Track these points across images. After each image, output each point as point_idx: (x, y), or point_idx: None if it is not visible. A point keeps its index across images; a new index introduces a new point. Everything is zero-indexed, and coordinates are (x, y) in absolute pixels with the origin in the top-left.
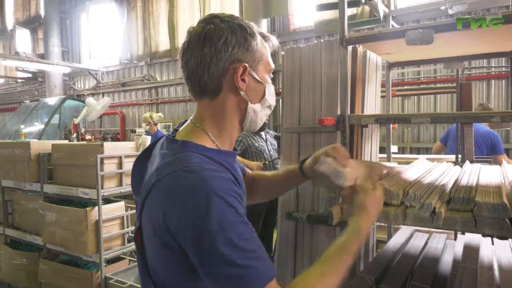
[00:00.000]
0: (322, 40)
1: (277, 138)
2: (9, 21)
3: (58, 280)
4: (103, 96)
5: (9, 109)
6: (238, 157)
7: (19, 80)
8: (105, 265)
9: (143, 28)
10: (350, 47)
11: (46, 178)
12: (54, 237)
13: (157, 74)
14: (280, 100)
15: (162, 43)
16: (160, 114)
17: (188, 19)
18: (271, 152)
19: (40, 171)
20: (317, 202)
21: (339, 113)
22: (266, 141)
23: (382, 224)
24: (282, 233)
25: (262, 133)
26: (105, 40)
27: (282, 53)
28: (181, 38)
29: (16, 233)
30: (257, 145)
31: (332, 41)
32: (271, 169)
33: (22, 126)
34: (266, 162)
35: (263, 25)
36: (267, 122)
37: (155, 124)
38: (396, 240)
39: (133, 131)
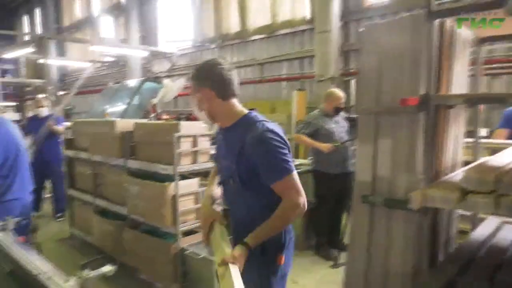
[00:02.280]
0: (405, 15)
1: (350, 120)
2: (95, 10)
3: (140, 248)
4: (177, 78)
5: (95, 91)
6: (307, 139)
7: (103, 64)
8: (181, 237)
9: (214, 10)
10: (436, 21)
11: (129, 154)
12: (137, 208)
13: (228, 56)
14: (353, 80)
15: (233, 25)
16: None
17: (259, 0)
18: (342, 134)
19: (123, 147)
20: (395, 184)
21: (423, 92)
22: (337, 123)
23: (465, 213)
24: (356, 218)
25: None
26: (179, 24)
27: (360, 29)
28: (252, 20)
29: (104, 203)
30: (327, 127)
31: (417, 15)
32: (342, 151)
33: (107, 106)
34: (337, 144)
35: (335, 2)
36: (342, 106)
37: None
38: (481, 231)
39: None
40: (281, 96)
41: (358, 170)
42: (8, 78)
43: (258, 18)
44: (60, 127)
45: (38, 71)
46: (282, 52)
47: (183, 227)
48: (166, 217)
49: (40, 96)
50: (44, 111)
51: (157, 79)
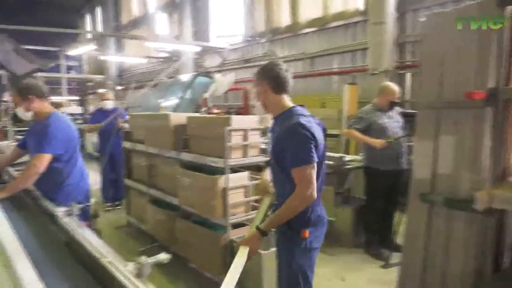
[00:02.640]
0: (471, 2)
1: (405, 115)
2: (151, 7)
3: (191, 238)
4: (228, 73)
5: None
6: (359, 135)
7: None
8: (231, 229)
9: (265, 4)
10: (509, 8)
11: (182, 147)
12: (188, 199)
13: (278, 50)
14: (409, 74)
15: (284, 19)
16: None
17: None
18: (396, 130)
19: (177, 140)
20: (457, 183)
21: (491, 85)
22: (391, 118)
23: None
24: (412, 217)
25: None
26: (230, 19)
27: (422, 19)
28: (303, 13)
29: (158, 193)
30: (380, 122)
31: (485, 2)
32: (396, 148)
33: (161, 101)
34: (391, 140)
35: None
36: (397, 100)
37: None
38: None
39: (255, 106)
40: (331, 90)
41: (416, 167)
42: (73, 74)
43: (309, 11)
44: (125, 124)
45: (99, 67)
46: (334, 45)
47: (232, 220)
48: (217, 209)
49: (104, 90)
50: (109, 104)
51: (208, 73)
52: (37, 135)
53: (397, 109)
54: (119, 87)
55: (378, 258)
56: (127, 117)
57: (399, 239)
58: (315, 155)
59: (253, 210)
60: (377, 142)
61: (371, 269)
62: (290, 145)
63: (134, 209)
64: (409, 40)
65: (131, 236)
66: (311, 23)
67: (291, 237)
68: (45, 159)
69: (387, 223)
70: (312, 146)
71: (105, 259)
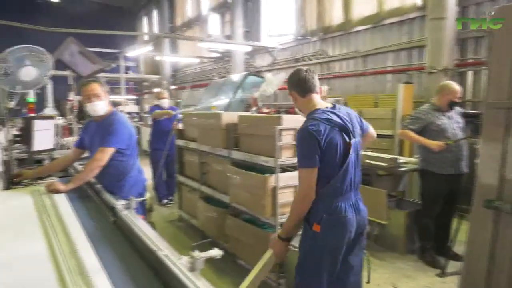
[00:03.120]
0: None
1: (466, 115)
2: (204, 9)
3: (240, 235)
4: (278, 73)
5: (202, 85)
6: (414, 136)
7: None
8: (279, 228)
9: (317, 2)
10: None
11: (233, 145)
12: (238, 197)
13: (330, 49)
14: (471, 72)
15: (336, 16)
16: (325, 87)
17: None
18: (455, 131)
19: (228, 139)
20: None
21: None
22: (450, 118)
23: None
24: (475, 224)
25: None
26: (281, 19)
27: (491, 13)
28: (356, 10)
29: (209, 190)
30: (439, 122)
31: None
32: (455, 150)
33: (212, 100)
34: (450, 142)
35: None
36: (458, 100)
37: (325, 98)
38: None
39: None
40: (385, 90)
41: (481, 171)
42: (130, 74)
43: (363, 8)
44: (179, 124)
45: (154, 67)
46: (388, 43)
47: (282, 219)
48: (266, 208)
49: (159, 89)
50: (166, 102)
51: (259, 73)
52: (101, 131)
53: (457, 109)
54: (172, 87)
55: (433, 266)
56: (180, 115)
57: (457, 247)
58: (314, 160)
59: None
60: (435, 144)
61: (425, 278)
62: (296, 148)
63: (186, 205)
64: (471, 36)
65: (182, 231)
66: (364, 20)
67: (305, 229)
68: (108, 153)
69: (444, 230)
70: (312, 152)
71: (161, 252)
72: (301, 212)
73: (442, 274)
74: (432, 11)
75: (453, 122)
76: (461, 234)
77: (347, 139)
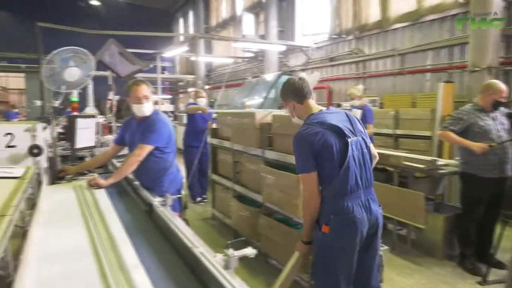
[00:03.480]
0: None
1: (510, 116)
2: (239, 9)
3: (273, 235)
4: (312, 72)
5: (236, 85)
6: (455, 137)
7: (241, 60)
8: None
9: (353, 1)
10: None
11: (267, 145)
12: (271, 197)
13: (365, 47)
14: None
15: (372, 14)
16: (360, 87)
17: None
18: (500, 133)
19: (262, 138)
20: None
21: None
22: (494, 119)
23: None
24: None
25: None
26: (316, 18)
27: None
28: (394, 7)
29: (242, 189)
30: (482, 123)
31: None
32: (500, 153)
33: (246, 99)
34: (494, 144)
35: None
36: (503, 100)
37: (360, 98)
38: None
39: (339, 105)
40: (424, 89)
41: None
42: (166, 74)
43: (401, 5)
44: (214, 124)
45: (189, 67)
46: (427, 41)
47: None
48: (299, 208)
49: (194, 89)
50: (202, 102)
51: (292, 73)
52: (142, 129)
53: (502, 110)
54: (207, 86)
55: (474, 273)
56: (214, 115)
57: (500, 254)
58: (310, 164)
59: None
60: (478, 146)
61: (465, 285)
62: (294, 154)
63: (219, 203)
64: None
65: (215, 229)
66: (403, 17)
67: (316, 231)
68: (146, 149)
69: (486, 236)
70: (307, 157)
71: (197, 249)
72: (312, 216)
73: (483, 282)
74: (475, 7)
75: (497, 123)
76: (505, 240)
77: (345, 139)
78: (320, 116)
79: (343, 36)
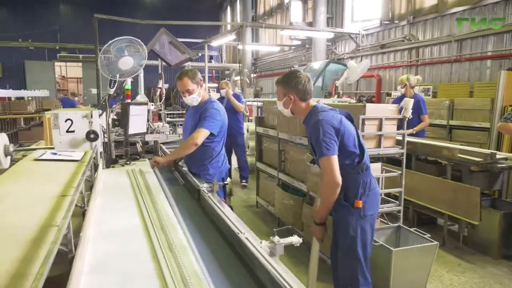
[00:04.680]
0: None
1: None
2: None
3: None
4: (361, 59)
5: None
6: None
7: (288, 48)
8: None
9: None
10: None
11: None
12: (317, 186)
13: (420, 33)
14: None
15: None
16: (418, 76)
17: None
18: None
19: None
20: None
21: None
22: None
23: None
24: None
25: None
26: (366, 3)
27: None
28: None
29: (287, 178)
30: None
31: None
32: None
33: None
34: None
35: None
36: None
37: (412, 87)
38: None
39: (388, 94)
40: (483, 77)
41: None
42: (213, 63)
43: None
44: (240, 104)
45: (235, 56)
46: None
47: None
48: None
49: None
50: (222, 93)
51: (341, 60)
52: (196, 116)
53: None
54: (253, 75)
55: None
56: (244, 101)
57: None
58: (333, 147)
59: (383, 203)
60: None
61: None
62: (314, 140)
63: (263, 191)
64: None
65: (259, 216)
66: (462, 0)
67: (345, 207)
68: (204, 134)
69: None
70: (331, 139)
71: (243, 235)
72: (333, 198)
73: None
74: None
75: None
76: None
77: (353, 123)
78: (324, 107)
79: (396, 21)
